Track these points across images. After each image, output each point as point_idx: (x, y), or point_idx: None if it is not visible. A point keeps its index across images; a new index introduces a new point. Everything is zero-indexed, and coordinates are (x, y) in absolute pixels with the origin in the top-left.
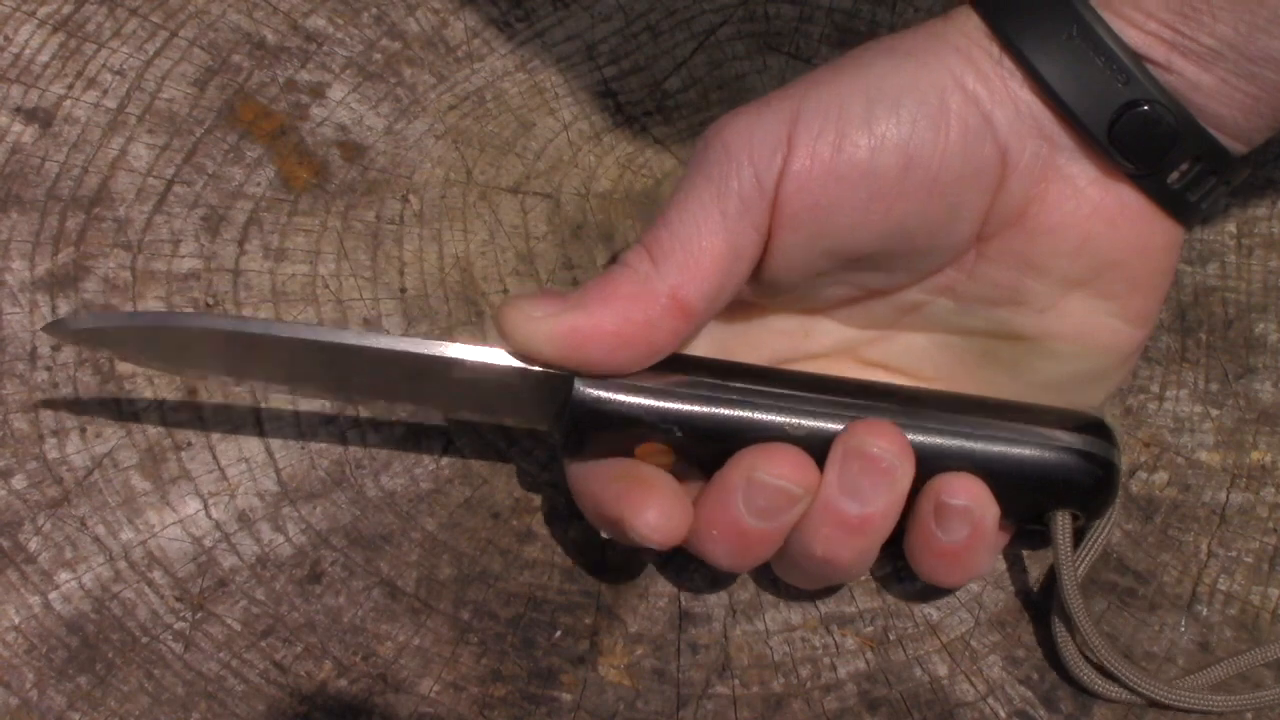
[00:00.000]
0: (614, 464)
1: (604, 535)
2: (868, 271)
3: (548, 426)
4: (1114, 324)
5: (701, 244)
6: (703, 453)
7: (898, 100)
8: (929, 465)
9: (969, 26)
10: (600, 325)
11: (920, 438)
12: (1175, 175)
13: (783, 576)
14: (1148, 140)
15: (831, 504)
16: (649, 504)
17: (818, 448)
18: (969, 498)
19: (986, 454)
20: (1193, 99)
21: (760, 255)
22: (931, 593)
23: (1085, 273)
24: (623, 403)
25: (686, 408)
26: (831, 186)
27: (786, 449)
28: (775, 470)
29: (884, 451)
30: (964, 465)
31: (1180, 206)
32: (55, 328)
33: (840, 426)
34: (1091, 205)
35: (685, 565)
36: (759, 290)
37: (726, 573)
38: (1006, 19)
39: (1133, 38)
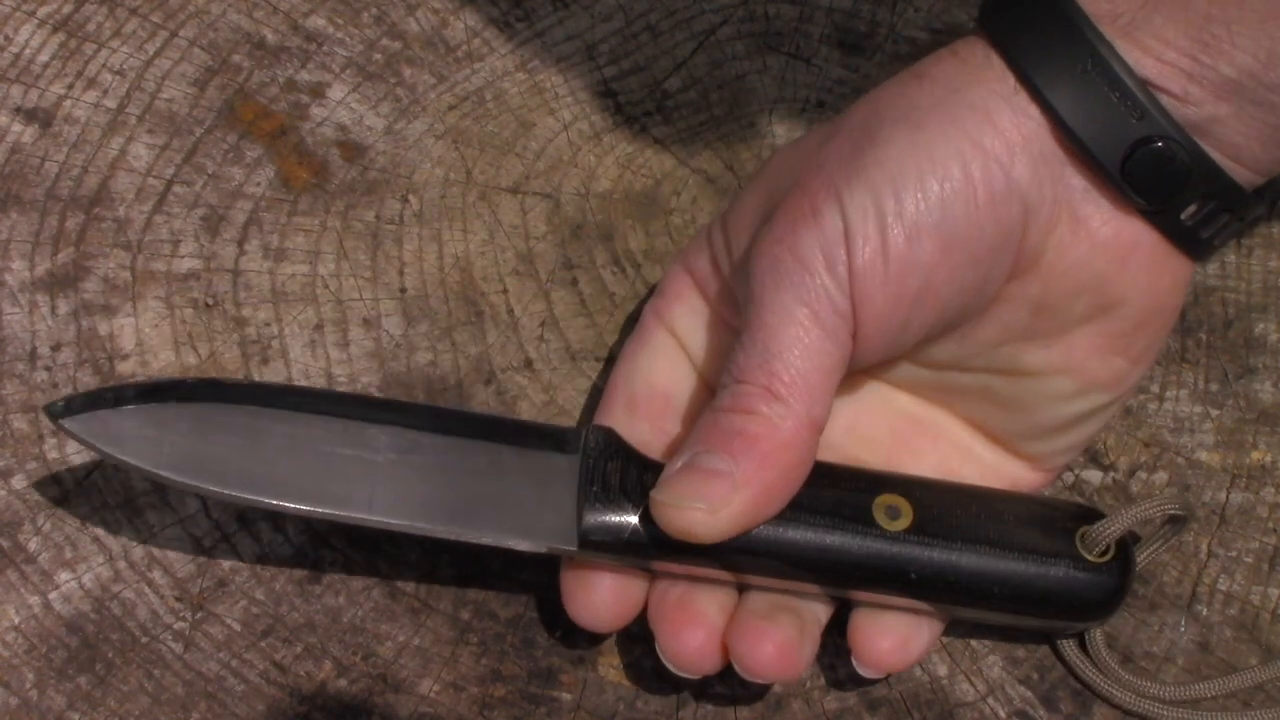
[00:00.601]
0: None
1: None
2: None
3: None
4: (1116, 362)
5: (817, 366)
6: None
7: (922, 180)
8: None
9: (985, 64)
10: (768, 487)
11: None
12: (1189, 212)
13: None
14: (1160, 177)
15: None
16: (590, 599)
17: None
18: (882, 669)
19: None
20: (1210, 129)
21: None
22: None
23: (1091, 310)
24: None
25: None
26: (885, 289)
27: (694, 632)
28: (676, 659)
29: (762, 669)
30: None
31: (1193, 243)
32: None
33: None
34: (1103, 243)
35: None
36: None
37: None
38: (1021, 51)
39: (1150, 68)
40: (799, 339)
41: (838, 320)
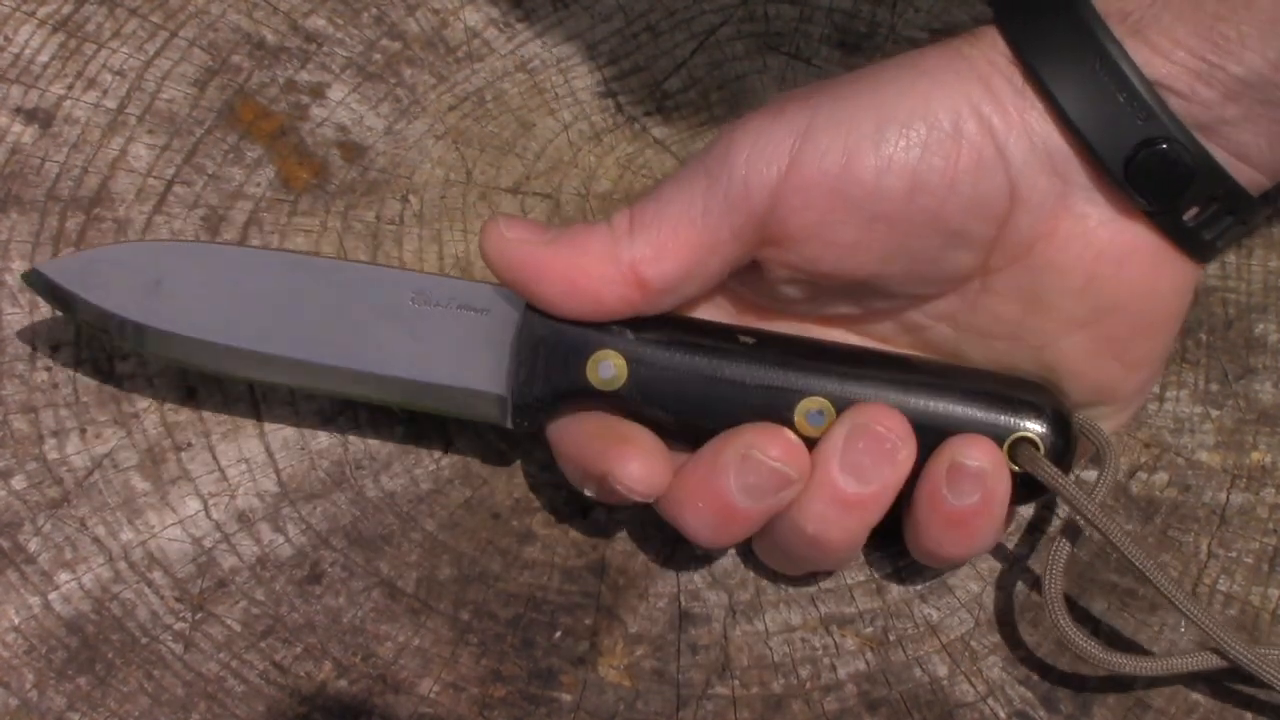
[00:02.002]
0: (594, 420)
1: (587, 494)
2: (866, 294)
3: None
4: (1111, 367)
5: (677, 229)
6: (656, 390)
7: (909, 123)
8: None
9: (994, 52)
10: (559, 267)
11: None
12: (1191, 214)
13: (765, 558)
14: (1164, 179)
15: (830, 481)
16: (632, 456)
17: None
18: (985, 460)
19: (944, 409)
20: (1218, 129)
21: (740, 258)
22: (932, 593)
23: (1088, 314)
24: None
25: (634, 336)
26: (834, 204)
27: (784, 432)
28: (773, 452)
29: (889, 431)
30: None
31: (1195, 244)
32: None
33: (782, 384)
34: (1100, 246)
35: (685, 565)
36: (762, 300)
37: (703, 548)
38: (1031, 46)
39: (1158, 67)
40: (680, 200)
41: (725, 207)
